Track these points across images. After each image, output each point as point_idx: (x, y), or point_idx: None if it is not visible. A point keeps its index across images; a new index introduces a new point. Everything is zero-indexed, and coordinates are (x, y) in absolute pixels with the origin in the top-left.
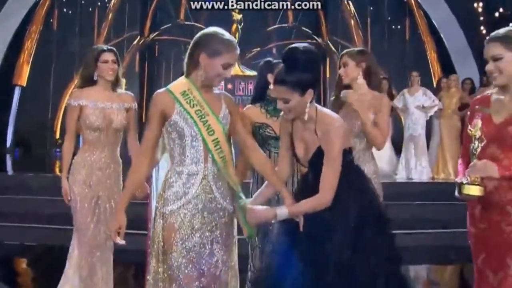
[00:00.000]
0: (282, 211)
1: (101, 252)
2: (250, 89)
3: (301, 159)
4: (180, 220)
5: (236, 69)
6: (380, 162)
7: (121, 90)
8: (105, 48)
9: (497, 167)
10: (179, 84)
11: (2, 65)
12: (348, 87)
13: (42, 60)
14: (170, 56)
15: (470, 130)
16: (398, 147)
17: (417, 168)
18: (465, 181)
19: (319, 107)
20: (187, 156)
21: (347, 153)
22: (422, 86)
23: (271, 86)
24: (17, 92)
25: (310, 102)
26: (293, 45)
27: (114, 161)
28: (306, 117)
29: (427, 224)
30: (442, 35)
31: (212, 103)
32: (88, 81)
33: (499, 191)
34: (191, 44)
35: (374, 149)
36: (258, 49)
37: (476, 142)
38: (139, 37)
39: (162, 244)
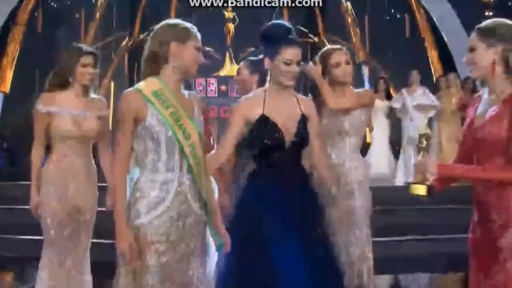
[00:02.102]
0: None
1: (75, 270)
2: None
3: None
4: (154, 232)
5: (229, 70)
6: (378, 166)
7: (94, 95)
8: (86, 50)
9: (438, 166)
10: (149, 83)
11: None
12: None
13: (27, 64)
14: None
15: (418, 128)
16: (397, 150)
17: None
18: (410, 180)
19: None
20: (162, 162)
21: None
22: (422, 86)
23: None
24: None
25: None
26: None
27: (88, 170)
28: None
29: (427, 230)
30: (442, 33)
31: (185, 104)
32: (61, 85)
33: (485, 193)
34: (152, 42)
35: (372, 152)
36: (253, 48)
37: (423, 140)
38: (128, 37)
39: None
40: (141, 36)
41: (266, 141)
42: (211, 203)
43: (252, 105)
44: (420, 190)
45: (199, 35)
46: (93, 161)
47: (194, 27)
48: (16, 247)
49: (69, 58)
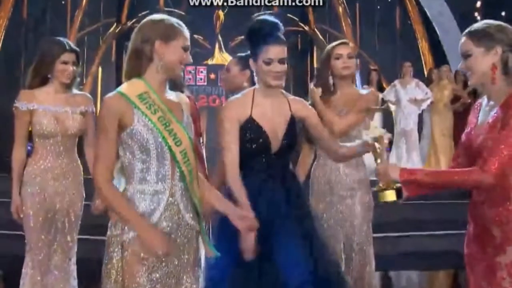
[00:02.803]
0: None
1: (60, 274)
2: None
3: (270, 138)
4: (144, 248)
5: (218, 58)
6: (368, 157)
7: (76, 90)
8: (67, 47)
9: (399, 170)
10: (133, 86)
11: None
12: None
13: (10, 52)
14: None
15: (365, 131)
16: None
17: (408, 164)
18: (376, 189)
19: None
20: (152, 172)
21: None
22: (414, 78)
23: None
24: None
25: None
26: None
27: (72, 169)
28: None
29: (421, 227)
30: (434, 24)
31: (173, 107)
32: (41, 81)
33: (484, 206)
34: (135, 39)
35: None
36: (243, 36)
37: (376, 144)
38: (115, 24)
39: (121, 278)
40: (129, 23)
41: (251, 145)
42: (203, 209)
43: (242, 106)
44: (389, 196)
45: (187, 33)
46: (78, 160)
47: (182, 23)
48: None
49: (49, 54)
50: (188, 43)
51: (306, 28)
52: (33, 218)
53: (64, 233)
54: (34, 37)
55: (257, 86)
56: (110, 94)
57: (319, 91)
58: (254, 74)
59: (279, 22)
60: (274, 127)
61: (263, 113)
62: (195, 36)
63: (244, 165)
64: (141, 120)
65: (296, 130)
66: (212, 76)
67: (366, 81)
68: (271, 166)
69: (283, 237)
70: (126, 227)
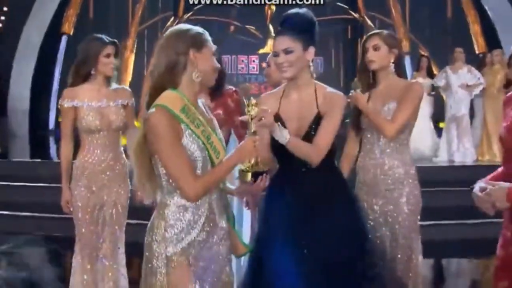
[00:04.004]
0: (285, 133)
1: (109, 262)
2: None
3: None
4: (193, 253)
5: (269, 47)
6: (420, 145)
7: (116, 84)
8: (108, 40)
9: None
10: (172, 99)
11: (40, 50)
12: (374, 75)
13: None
14: None
15: (247, 110)
16: (439, 129)
17: (459, 150)
18: (242, 168)
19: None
20: None
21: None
22: (466, 63)
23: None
24: (56, 77)
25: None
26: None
27: (118, 162)
28: (307, 76)
29: (471, 214)
30: (486, 7)
31: (206, 118)
32: (84, 77)
33: None
34: (165, 52)
35: (414, 132)
36: None
37: (251, 122)
38: (173, 17)
39: None
40: (185, 16)
41: (276, 144)
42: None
43: (270, 103)
44: (247, 177)
45: (210, 39)
46: (123, 153)
47: (205, 30)
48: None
49: (91, 49)
50: (214, 49)
51: (356, 15)
52: (81, 210)
53: (112, 223)
54: (99, 32)
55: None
56: (155, 111)
57: (362, 95)
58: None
59: (296, 14)
60: (298, 125)
61: (289, 110)
62: (247, 26)
63: (278, 163)
64: (188, 135)
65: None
66: (264, 65)
67: (416, 67)
68: (296, 165)
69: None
70: (169, 244)
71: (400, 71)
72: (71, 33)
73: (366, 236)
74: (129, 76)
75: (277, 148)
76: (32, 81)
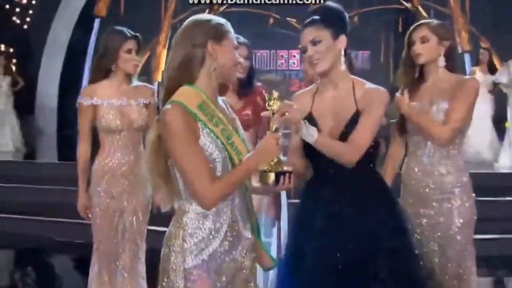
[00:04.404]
0: (312, 131)
1: (128, 274)
2: None
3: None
4: (214, 266)
5: None
6: (478, 148)
7: (137, 82)
8: (129, 35)
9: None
10: (188, 95)
11: (69, 46)
12: (421, 70)
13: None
14: (241, 29)
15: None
16: (501, 129)
17: None
18: (263, 168)
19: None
20: None
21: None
22: None
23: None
24: (86, 74)
25: (344, 55)
26: None
27: (139, 165)
28: (342, 69)
29: None
30: None
31: (227, 116)
32: (104, 74)
33: None
34: (181, 44)
35: (471, 133)
36: None
37: (273, 119)
38: (208, 10)
39: None
40: (221, 9)
41: (309, 146)
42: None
43: (302, 102)
44: (269, 178)
45: (232, 31)
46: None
47: (227, 21)
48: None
49: (110, 44)
50: (236, 42)
51: (408, 5)
52: (101, 217)
53: (132, 232)
54: (130, 27)
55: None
56: (170, 107)
57: (405, 97)
58: None
59: (319, 7)
60: (334, 124)
61: (323, 107)
62: (288, 18)
63: (312, 168)
64: (206, 134)
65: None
66: None
67: (476, 61)
68: (334, 168)
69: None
70: (188, 256)
71: (452, 65)
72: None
73: (411, 249)
74: (160, 74)
75: (309, 150)
76: (60, 78)
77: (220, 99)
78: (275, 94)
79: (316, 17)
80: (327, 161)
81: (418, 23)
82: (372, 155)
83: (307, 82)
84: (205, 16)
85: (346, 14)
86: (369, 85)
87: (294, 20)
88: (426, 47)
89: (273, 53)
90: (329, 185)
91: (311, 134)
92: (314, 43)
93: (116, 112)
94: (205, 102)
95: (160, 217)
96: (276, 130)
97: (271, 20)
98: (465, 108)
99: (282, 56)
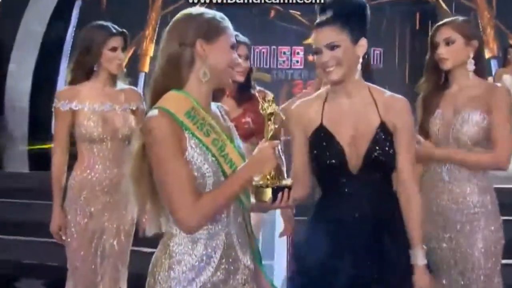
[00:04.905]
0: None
1: None
2: None
3: (347, 153)
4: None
5: None
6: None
7: (123, 84)
8: (115, 31)
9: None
10: (177, 101)
11: (43, 39)
12: (446, 74)
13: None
14: (240, 24)
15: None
16: None
17: None
18: (258, 182)
19: None
20: None
21: None
22: None
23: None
24: (62, 72)
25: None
26: None
27: (122, 180)
28: (357, 76)
29: None
30: None
31: (222, 125)
32: (85, 75)
33: None
34: (168, 41)
35: None
36: None
37: (269, 123)
38: (202, 3)
39: None
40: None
41: (323, 162)
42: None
43: (309, 111)
44: (265, 195)
45: (230, 26)
46: None
47: (224, 16)
48: None
49: (93, 40)
50: (234, 40)
51: None
52: (77, 239)
53: (113, 256)
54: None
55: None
56: (154, 114)
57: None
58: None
59: (346, 1)
60: (354, 139)
61: (338, 119)
62: (291, 11)
63: (322, 190)
64: (194, 145)
65: (388, 141)
66: (311, 58)
67: (503, 61)
68: (354, 191)
69: None
70: (176, 282)
71: (481, 69)
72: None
73: None
74: (145, 69)
75: (324, 168)
76: (33, 74)
77: (214, 105)
78: (270, 95)
79: (333, 14)
80: (348, 179)
81: (441, 22)
82: (387, 172)
83: (317, 87)
84: (197, 9)
85: (368, 8)
86: (388, 93)
87: (298, 13)
88: (452, 50)
89: (274, 50)
90: (349, 209)
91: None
92: (332, 47)
93: (98, 118)
94: (194, 109)
95: (146, 237)
96: (274, 136)
97: (272, 13)
98: (509, 121)
99: (283, 53)
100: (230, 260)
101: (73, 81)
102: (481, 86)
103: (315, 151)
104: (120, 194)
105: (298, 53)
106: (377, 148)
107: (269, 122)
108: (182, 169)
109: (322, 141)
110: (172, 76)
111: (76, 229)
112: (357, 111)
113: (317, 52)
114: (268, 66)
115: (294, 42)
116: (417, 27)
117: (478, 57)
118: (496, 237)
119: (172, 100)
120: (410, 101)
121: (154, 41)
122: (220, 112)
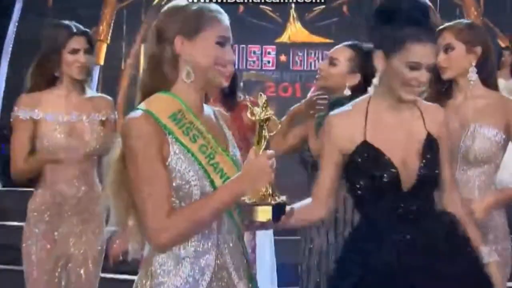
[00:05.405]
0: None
1: None
2: (312, 63)
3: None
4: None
5: (292, 34)
6: (504, 174)
7: (93, 92)
8: (75, 30)
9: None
10: (161, 103)
11: None
12: (450, 83)
13: (28, 32)
14: None
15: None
16: None
17: None
18: (250, 199)
19: None
20: None
21: None
22: None
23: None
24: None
25: None
26: None
27: (92, 199)
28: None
29: None
30: None
31: (214, 130)
32: (47, 81)
33: None
34: (150, 38)
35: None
36: (323, 6)
37: (263, 131)
38: None
39: None
40: None
41: (370, 181)
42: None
43: (349, 127)
44: (261, 215)
45: (222, 19)
46: (100, 187)
47: (217, 8)
48: None
49: (51, 43)
50: (226, 34)
51: None
52: (37, 268)
53: (79, 287)
54: (58, 14)
55: (371, 91)
56: (134, 115)
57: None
58: (378, 74)
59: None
60: (404, 154)
61: (384, 132)
62: (261, 7)
63: (362, 209)
64: (177, 150)
65: (437, 154)
66: (283, 58)
67: (497, 64)
68: (405, 212)
69: None
70: None
71: (486, 78)
72: None
73: None
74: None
75: (369, 187)
76: None
77: (210, 109)
78: (264, 97)
79: (433, 29)
80: (399, 198)
81: (441, 27)
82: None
83: (321, 88)
84: (183, 1)
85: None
86: (424, 101)
87: (270, 9)
88: (451, 58)
89: (243, 49)
90: (400, 230)
91: None
92: (429, 69)
93: (63, 129)
94: (181, 111)
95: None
96: (266, 146)
97: (241, 8)
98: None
99: (253, 52)
100: (222, 284)
101: (33, 88)
102: (491, 97)
103: (361, 168)
104: (89, 216)
105: (269, 53)
106: (429, 161)
107: (263, 130)
108: (160, 176)
109: (368, 158)
110: (156, 77)
111: (37, 256)
112: (403, 124)
113: (418, 67)
114: (237, 67)
115: (265, 40)
116: None
117: (483, 65)
118: (506, 260)
119: (157, 101)
120: None
121: (109, 38)
122: (216, 117)
